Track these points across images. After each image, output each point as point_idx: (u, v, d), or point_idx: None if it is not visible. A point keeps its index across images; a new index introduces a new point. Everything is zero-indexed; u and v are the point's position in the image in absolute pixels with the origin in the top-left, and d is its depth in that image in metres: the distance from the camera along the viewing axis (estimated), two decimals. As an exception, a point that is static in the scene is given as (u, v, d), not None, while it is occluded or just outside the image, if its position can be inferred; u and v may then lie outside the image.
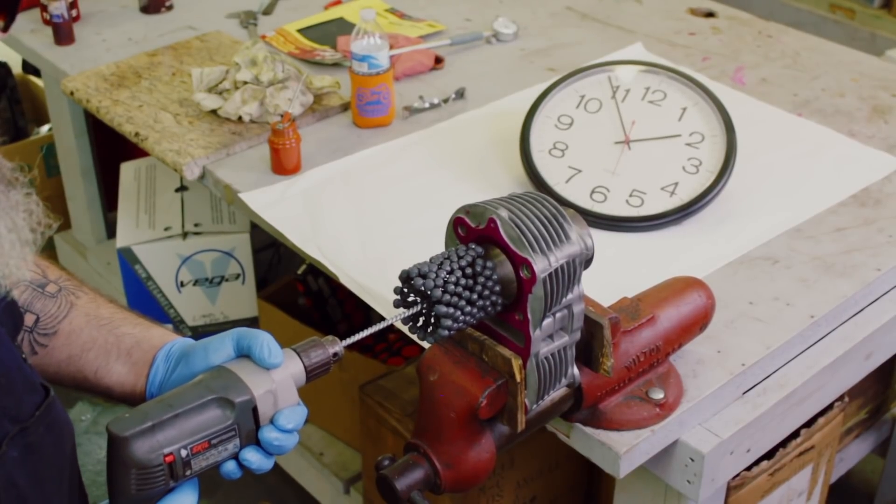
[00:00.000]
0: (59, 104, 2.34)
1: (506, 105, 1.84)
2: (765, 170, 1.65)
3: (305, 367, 0.98)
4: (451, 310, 0.98)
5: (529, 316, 1.00)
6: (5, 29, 0.82)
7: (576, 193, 1.55)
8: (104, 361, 1.12)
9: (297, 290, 2.21)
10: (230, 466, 0.97)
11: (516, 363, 1.02)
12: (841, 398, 1.53)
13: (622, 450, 1.17)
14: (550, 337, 1.04)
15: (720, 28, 2.13)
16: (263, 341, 0.97)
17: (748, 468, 1.40)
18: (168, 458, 0.91)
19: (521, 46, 2.07)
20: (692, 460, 1.22)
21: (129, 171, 2.39)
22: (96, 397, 1.22)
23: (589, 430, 1.19)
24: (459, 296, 0.98)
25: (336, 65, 1.99)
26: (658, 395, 1.20)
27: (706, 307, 1.26)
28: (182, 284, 2.18)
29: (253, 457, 0.96)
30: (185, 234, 2.17)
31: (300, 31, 2.12)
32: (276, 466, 2.23)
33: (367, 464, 1.92)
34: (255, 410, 0.95)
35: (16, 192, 0.88)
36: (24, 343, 1.12)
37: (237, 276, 2.19)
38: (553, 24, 2.16)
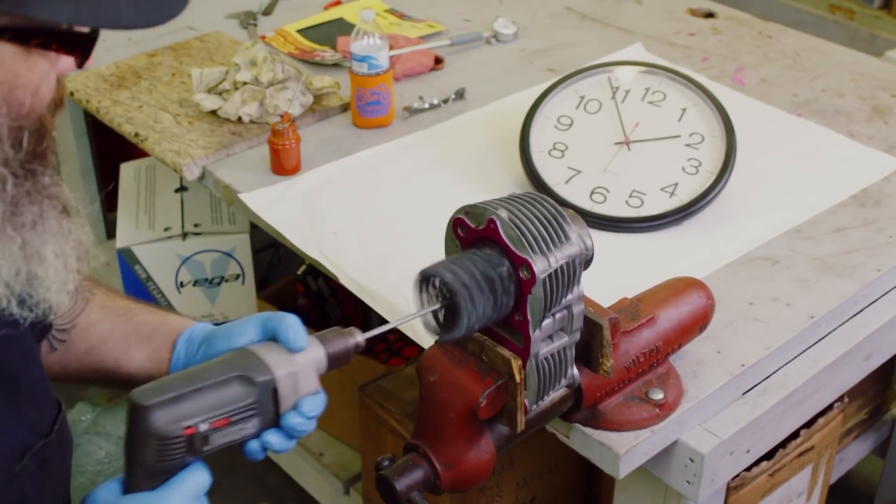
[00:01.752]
0: (59, 104, 2.33)
1: (506, 105, 1.84)
2: (765, 170, 1.65)
3: (328, 355, 0.98)
4: (471, 306, 0.97)
5: (529, 316, 1.00)
6: (81, 65, 0.85)
7: (575, 194, 1.55)
8: (124, 350, 1.13)
9: (297, 290, 2.21)
10: (254, 446, 0.98)
11: (516, 364, 1.02)
12: (841, 398, 1.53)
13: (622, 450, 1.17)
14: (550, 337, 1.04)
15: (720, 28, 2.13)
16: (290, 324, 0.99)
17: (748, 468, 1.40)
18: (188, 431, 0.91)
19: (521, 47, 2.07)
20: (692, 461, 1.22)
21: (128, 171, 2.39)
22: (117, 389, 1.22)
23: (588, 430, 1.19)
24: (480, 293, 0.98)
25: (336, 65, 1.99)
26: (658, 395, 1.20)
27: (706, 307, 1.26)
28: (182, 285, 2.18)
29: (275, 439, 0.98)
30: (184, 235, 2.16)
31: (300, 31, 2.12)
32: (276, 467, 2.23)
33: (366, 464, 1.92)
34: (275, 392, 0.95)
35: (69, 221, 0.90)
36: (44, 342, 1.12)
37: (237, 277, 2.19)
38: (553, 24, 2.16)
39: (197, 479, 0.94)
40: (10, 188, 0.83)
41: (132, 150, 2.27)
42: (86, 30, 0.82)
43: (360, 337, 1.01)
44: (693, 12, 2.21)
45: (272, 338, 1.00)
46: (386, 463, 1.08)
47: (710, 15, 2.20)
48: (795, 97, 1.87)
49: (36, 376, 0.99)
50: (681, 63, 1.95)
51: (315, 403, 0.98)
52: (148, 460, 0.91)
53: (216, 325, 1.11)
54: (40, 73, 0.83)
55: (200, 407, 0.92)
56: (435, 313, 1.00)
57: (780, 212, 1.56)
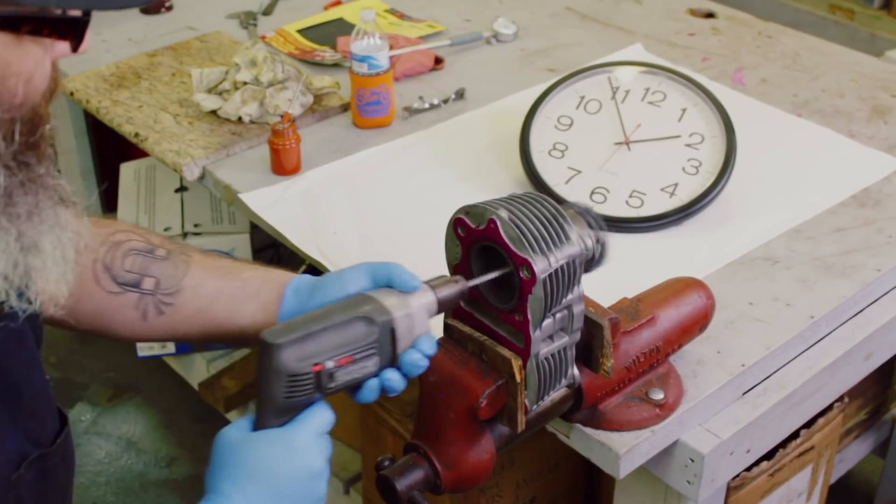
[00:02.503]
0: (59, 104, 2.34)
1: (506, 105, 1.84)
2: (765, 170, 1.65)
3: (438, 299, 1.03)
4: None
5: (529, 316, 1.00)
6: (75, 49, 0.84)
7: (575, 194, 1.55)
8: (234, 306, 1.15)
9: (297, 290, 2.20)
10: (372, 384, 1.01)
11: (516, 364, 1.02)
12: (841, 399, 1.53)
13: (622, 450, 1.17)
14: (550, 337, 1.04)
15: (720, 28, 2.13)
16: (402, 269, 1.03)
17: (748, 468, 1.40)
18: (316, 368, 0.96)
19: (521, 47, 2.07)
20: (692, 461, 1.22)
21: (128, 171, 2.39)
22: (229, 344, 1.25)
23: (589, 430, 1.19)
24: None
25: (336, 65, 1.99)
26: (658, 395, 1.20)
27: (706, 307, 1.26)
28: (182, 285, 2.18)
29: (395, 377, 1.02)
30: (184, 235, 2.16)
31: (300, 31, 2.12)
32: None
33: (366, 464, 1.92)
34: (393, 332, 1.00)
35: (67, 211, 0.90)
36: (150, 307, 1.15)
37: (237, 277, 2.18)
38: (553, 24, 2.16)
39: (322, 416, 0.98)
40: (3, 180, 0.82)
41: (132, 150, 2.27)
42: (77, 13, 0.80)
43: (464, 284, 1.05)
44: (693, 12, 2.21)
45: (384, 286, 1.04)
46: (386, 463, 1.08)
47: (710, 15, 2.20)
48: (795, 97, 1.87)
49: (38, 387, 0.99)
50: (681, 63, 1.95)
51: (430, 342, 1.02)
52: (278, 397, 0.95)
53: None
54: (34, 60, 0.81)
55: (327, 345, 0.96)
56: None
57: (780, 212, 1.56)
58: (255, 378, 0.97)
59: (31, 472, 0.97)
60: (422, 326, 1.02)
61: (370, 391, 1.02)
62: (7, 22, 0.77)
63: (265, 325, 1.11)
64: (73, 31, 0.81)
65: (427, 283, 1.04)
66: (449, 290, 1.04)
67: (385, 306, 1.00)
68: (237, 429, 0.97)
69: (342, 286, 1.06)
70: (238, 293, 1.15)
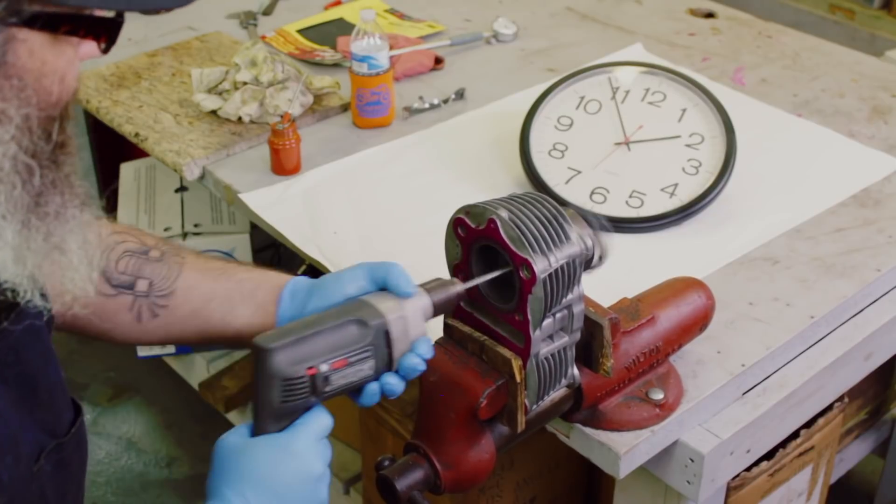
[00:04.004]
0: (59, 104, 2.33)
1: (506, 106, 1.84)
2: (765, 170, 1.65)
3: (433, 302, 1.03)
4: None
5: (529, 316, 1.00)
6: (106, 51, 0.85)
7: (575, 194, 1.55)
8: (229, 308, 1.15)
9: (297, 290, 2.20)
10: (372, 388, 1.02)
11: (516, 364, 1.02)
12: (841, 399, 1.53)
13: (622, 450, 1.17)
14: (550, 337, 1.04)
15: (720, 28, 2.13)
16: (398, 272, 1.03)
17: (748, 469, 1.40)
18: (310, 371, 0.96)
19: (521, 47, 2.07)
20: (692, 461, 1.22)
21: (128, 171, 2.39)
22: (225, 347, 1.25)
23: (589, 430, 1.19)
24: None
25: (336, 65, 1.99)
26: (658, 395, 1.20)
27: (706, 307, 1.26)
28: (182, 285, 2.18)
29: (393, 380, 1.02)
30: (184, 235, 2.17)
31: (300, 31, 2.12)
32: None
33: (366, 464, 1.92)
34: (388, 334, 1.00)
35: (89, 211, 0.90)
36: (144, 309, 1.15)
37: (237, 277, 2.18)
38: (553, 24, 2.16)
39: (320, 420, 0.98)
40: (38, 180, 0.83)
41: (132, 150, 2.28)
42: (111, 14, 0.82)
43: (461, 287, 1.05)
44: (693, 12, 2.21)
45: (381, 287, 1.05)
46: (386, 463, 1.08)
47: (710, 15, 2.20)
48: (795, 97, 1.87)
49: (53, 378, 1.00)
50: (681, 63, 1.95)
51: (427, 346, 1.02)
52: (274, 401, 0.95)
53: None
54: (67, 60, 0.83)
55: (320, 348, 0.97)
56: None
57: (780, 212, 1.56)
58: (252, 384, 0.97)
59: (49, 463, 0.97)
60: (418, 329, 1.02)
61: (370, 395, 1.02)
62: (46, 21, 0.78)
63: (261, 328, 1.12)
64: (107, 32, 0.83)
65: (423, 285, 1.04)
66: (445, 293, 1.04)
67: (379, 309, 1.00)
68: (236, 435, 0.98)
69: (339, 287, 1.07)
70: (233, 295, 1.16)
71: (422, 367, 1.02)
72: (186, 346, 1.22)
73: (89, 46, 0.84)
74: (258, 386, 0.96)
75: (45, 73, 0.81)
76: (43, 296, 0.88)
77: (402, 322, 1.01)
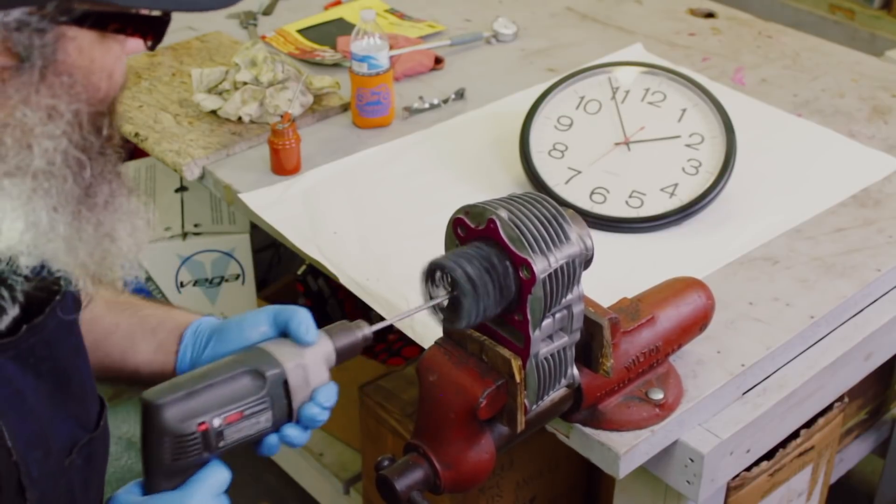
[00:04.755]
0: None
1: (505, 106, 1.84)
2: (765, 170, 1.65)
3: (336, 349, 1.01)
4: (475, 299, 0.98)
5: (529, 316, 1.00)
6: (153, 47, 0.87)
7: (575, 194, 1.55)
8: (129, 343, 1.14)
9: (297, 290, 2.20)
10: (271, 440, 1.00)
11: (516, 364, 1.02)
12: (841, 399, 1.53)
13: (622, 450, 1.17)
14: (550, 337, 1.04)
15: (720, 28, 2.13)
16: (300, 319, 1.01)
17: (748, 468, 1.40)
18: (202, 427, 0.92)
19: (521, 47, 2.07)
20: (692, 461, 1.22)
21: (128, 171, 2.39)
22: (124, 384, 1.24)
23: (588, 430, 1.19)
24: (485, 286, 0.99)
25: (336, 65, 1.99)
26: (658, 395, 1.20)
27: (706, 307, 1.26)
28: (182, 285, 2.18)
29: (293, 432, 1.00)
30: (184, 235, 2.16)
31: (300, 31, 2.12)
32: (276, 466, 2.23)
33: (366, 464, 1.92)
34: (286, 384, 0.97)
35: (136, 199, 0.91)
36: None
37: (237, 277, 2.19)
38: (553, 24, 2.16)
39: (217, 476, 0.95)
40: (88, 173, 0.84)
41: (132, 150, 2.27)
42: (158, 12, 0.84)
43: (367, 330, 1.03)
44: (693, 12, 2.21)
45: (283, 332, 1.02)
46: (386, 463, 1.08)
47: (710, 15, 2.20)
48: (795, 97, 1.87)
49: (84, 373, 1.00)
50: (681, 63, 1.95)
51: (329, 393, 1.00)
52: (165, 459, 0.92)
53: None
54: (114, 56, 0.84)
55: (212, 402, 0.93)
56: (440, 305, 1.01)
57: (781, 212, 1.56)
58: (140, 440, 0.93)
59: (80, 457, 0.98)
60: (319, 377, 1.00)
61: (269, 447, 1.00)
62: (95, 20, 0.80)
63: (160, 367, 1.11)
64: (153, 30, 0.85)
65: (326, 329, 1.01)
66: (349, 338, 1.01)
67: (276, 358, 0.97)
68: (128, 493, 0.95)
69: (240, 333, 1.05)
70: (135, 330, 1.14)
71: (323, 416, 1.00)
72: None
73: (135, 42, 0.86)
74: (147, 443, 0.92)
75: (94, 70, 0.83)
76: (95, 282, 0.89)
77: (302, 371, 0.98)
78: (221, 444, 0.94)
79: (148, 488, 0.94)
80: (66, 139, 0.82)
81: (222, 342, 1.07)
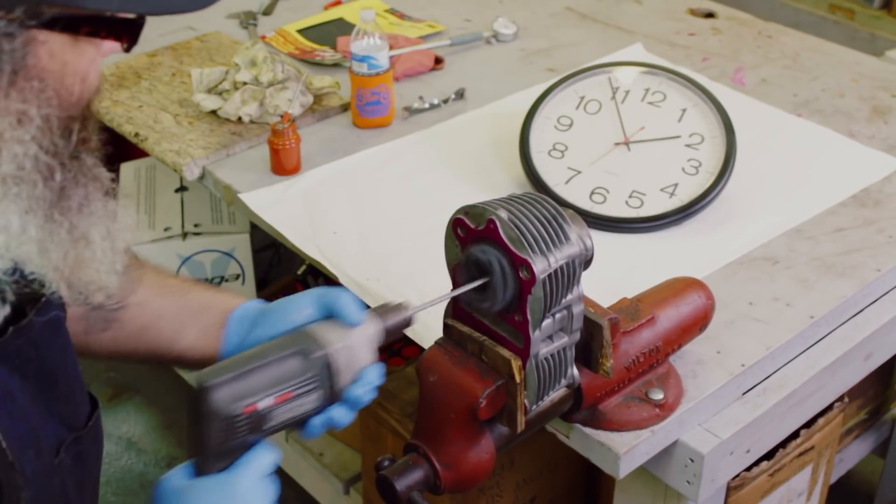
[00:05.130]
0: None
1: (505, 106, 1.84)
2: (765, 170, 1.65)
3: (385, 328, 1.02)
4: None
5: (529, 317, 1.00)
6: (128, 50, 0.86)
7: (575, 194, 1.55)
8: (176, 327, 1.14)
9: (297, 290, 2.20)
10: (317, 422, 1.00)
11: (516, 364, 1.02)
12: (841, 399, 1.53)
13: (622, 450, 1.17)
14: (550, 338, 1.04)
15: (720, 28, 2.13)
16: (346, 301, 1.01)
17: (748, 469, 1.40)
18: (249, 409, 0.93)
19: (521, 47, 2.07)
20: (692, 461, 1.22)
21: (128, 171, 2.39)
22: (173, 365, 1.23)
23: (588, 430, 1.19)
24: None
25: (336, 65, 1.99)
26: (658, 395, 1.20)
27: (706, 308, 1.26)
28: (182, 285, 2.18)
29: (340, 412, 1.00)
30: (184, 235, 2.17)
31: (300, 31, 2.12)
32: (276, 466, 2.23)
33: (366, 464, 1.92)
34: (333, 365, 0.98)
35: (113, 202, 0.90)
36: (94, 321, 1.13)
37: (237, 277, 2.19)
38: (553, 24, 2.16)
39: (265, 458, 0.95)
40: (59, 177, 0.83)
41: (132, 150, 2.27)
42: (132, 15, 0.82)
43: (412, 311, 1.04)
44: (693, 12, 2.21)
45: (328, 314, 1.02)
46: (386, 463, 1.08)
47: (710, 15, 2.20)
48: (795, 97, 1.87)
49: (72, 372, 1.00)
50: (681, 63, 1.95)
51: (376, 373, 1.01)
52: (214, 441, 0.92)
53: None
54: (88, 59, 0.83)
55: (260, 384, 0.94)
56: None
57: (781, 212, 1.56)
58: (188, 423, 0.94)
59: (69, 456, 0.98)
60: (366, 358, 1.00)
61: (315, 428, 1.00)
62: (66, 24, 0.79)
63: (206, 350, 1.11)
64: (127, 33, 0.83)
65: (374, 310, 1.02)
66: (396, 318, 1.03)
67: (322, 340, 0.98)
68: (177, 476, 0.95)
69: (285, 316, 1.05)
70: (181, 314, 1.14)
71: (368, 396, 1.01)
72: (134, 362, 1.20)
73: (111, 44, 0.84)
74: (196, 425, 0.92)
75: (67, 74, 0.81)
76: (70, 286, 0.88)
77: (348, 351, 0.99)
78: (271, 424, 0.95)
79: (197, 470, 0.94)
80: (36, 144, 0.81)
81: (267, 326, 1.07)
